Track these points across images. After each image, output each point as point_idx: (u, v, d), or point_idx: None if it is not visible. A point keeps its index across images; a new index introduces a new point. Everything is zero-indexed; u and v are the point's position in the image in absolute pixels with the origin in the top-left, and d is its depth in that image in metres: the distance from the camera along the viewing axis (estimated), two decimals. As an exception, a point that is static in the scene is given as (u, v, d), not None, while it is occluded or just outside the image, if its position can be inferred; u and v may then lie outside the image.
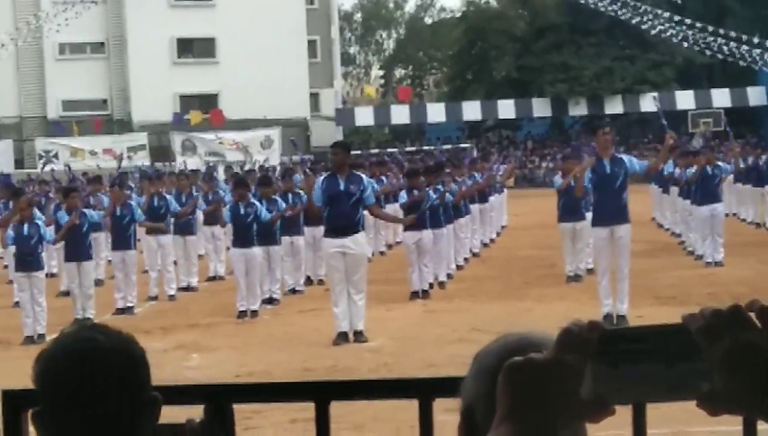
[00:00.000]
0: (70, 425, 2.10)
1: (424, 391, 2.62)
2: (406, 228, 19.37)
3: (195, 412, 2.46)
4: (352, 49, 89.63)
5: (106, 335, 2.17)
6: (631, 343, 1.44)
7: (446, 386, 2.51)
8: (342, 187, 14.77)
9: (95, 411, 2.10)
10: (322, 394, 2.65)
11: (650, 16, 55.42)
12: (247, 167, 39.82)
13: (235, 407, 2.55)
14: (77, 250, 18.02)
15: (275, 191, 20.24)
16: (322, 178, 15.51)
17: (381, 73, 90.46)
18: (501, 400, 1.47)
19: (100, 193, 24.37)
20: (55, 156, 55.23)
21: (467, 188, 23.38)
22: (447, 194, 20.32)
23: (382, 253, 26.09)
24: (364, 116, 65.95)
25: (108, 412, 2.11)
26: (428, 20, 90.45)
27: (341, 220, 14.75)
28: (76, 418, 2.10)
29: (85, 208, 18.96)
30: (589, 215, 17.77)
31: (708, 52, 55.62)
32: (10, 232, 17.04)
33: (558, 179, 20.34)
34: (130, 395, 2.13)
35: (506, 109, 65.51)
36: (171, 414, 2.45)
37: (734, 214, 30.39)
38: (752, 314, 1.43)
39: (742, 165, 28.77)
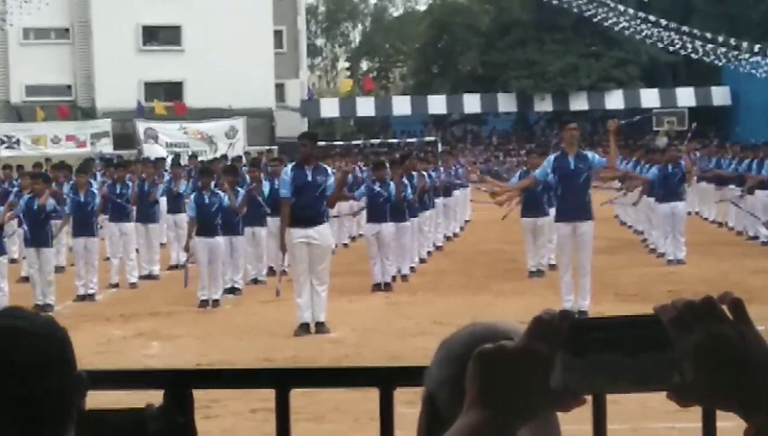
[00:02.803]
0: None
1: (386, 380, 2.60)
2: (368, 220, 19.44)
3: (154, 397, 2.44)
4: (319, 41, 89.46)
5: (28, 319, 2.15)
6: (600, 333, 1.43)
7: (408, 376, 2.50)
8: (309, 178, 14.77)
9: (24, 397, 2.08)
10: (283, 381, 2.64)
11: (615, 13, 55.58)
12: (210, 157, 39.75)
13: (195, 396, 2.53)
14: (37, 235, 17.92)
15: (238, 182, 20.26)
16: (289, 168, 15.49)
17: (347, 65, 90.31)
18: (471, 386, 1.47)
19: (60, 181, 24.12)
20: (17, 142, 54.86)
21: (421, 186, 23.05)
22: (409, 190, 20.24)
23: (345, 245, 26.08)
24: (330, 108, 65.86)
25: (38, 392, 2.09)
26: (393, 12, 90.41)
27: (307, 210, 14.74)
28: (4, 404, 2.08)
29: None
30: (551, 211, 17.83)
31: (672, 49, 55.83)
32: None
33: (515, 180, 20.45)
34: (59, 376, 2.12)
35: (471, 103, 65.60)
36: (130, 399, 2.43)
37: (696, 213, 30.56)
38: (724, 307, 1.42)
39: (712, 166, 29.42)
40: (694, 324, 1.40)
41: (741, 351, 1.39)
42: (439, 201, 24.84)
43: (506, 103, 65.98)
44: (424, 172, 22.83)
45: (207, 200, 18.06)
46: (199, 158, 36.39)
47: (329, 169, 15.42)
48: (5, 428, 2.09)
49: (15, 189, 22.78)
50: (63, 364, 2.14)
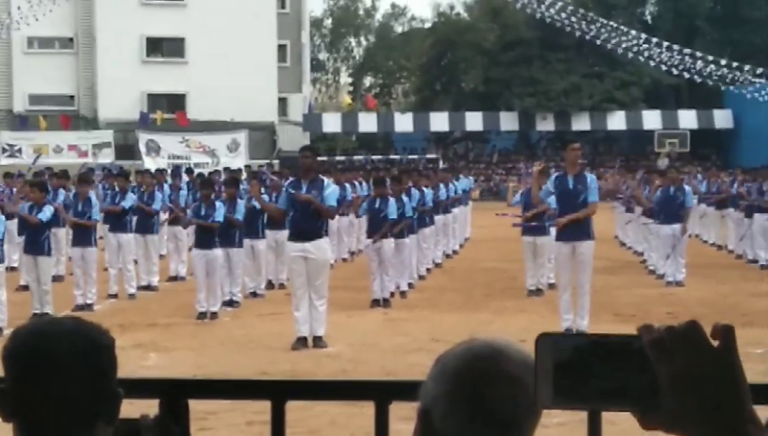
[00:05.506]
0: (26, 402, 2.10)
1: (382, 393, 2.59)
2: (368, 235, 19.41)
3: (150, 407, 2.44)
4: (322, 56, 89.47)
5: (75, 321, 2.18)
6: (590, 351, 1.42)
7: (404, 390, 2.49)
8: (304, 191, 14.76)
9: (51, 391, 2.09)
10: (279, 393, 2.63)
11: (619, 34, 55.63)
12: (211, 169, 39.79)
13: (191, 408, 2.52)
14: (34, 244, 17.88)
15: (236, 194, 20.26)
16: (287, 182, 15.53)
17: (350, 80, 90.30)
18: None
19: (64, 188, 24.10)
20: (19, 151, 54.89)
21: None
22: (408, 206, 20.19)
23: (344, 259, 26.08)
24: (332, 123, 65.91)
25: (64, 394, 2.09)
26: (398, 28, 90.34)
27: (302, 224, 14.75)
28: (32, 396, 2.09)
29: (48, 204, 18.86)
30: (552, 230, 17.81)
31: (675, 72, 55.89)
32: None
33: (518, 197, 20.46)
34: (88, 381, 2.12)
35: (474, 121, 65.67)
36: (125, 409, 2.43)
37: (697, 236, 30.55)
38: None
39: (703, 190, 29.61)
40: (671, 351, 1.39)
41: (711, 388, 1.37)
42: (439, 218, 24.81)
43: (508, 121, 66.04)
44: (424, 189, 22.80)
45: (204, 212, 18.05)
46: (198, 171, 36.41)
47: (326, 181, 15.38)
48: (26, 421, 2.11)
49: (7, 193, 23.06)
50: (94, 370, 2.15)
